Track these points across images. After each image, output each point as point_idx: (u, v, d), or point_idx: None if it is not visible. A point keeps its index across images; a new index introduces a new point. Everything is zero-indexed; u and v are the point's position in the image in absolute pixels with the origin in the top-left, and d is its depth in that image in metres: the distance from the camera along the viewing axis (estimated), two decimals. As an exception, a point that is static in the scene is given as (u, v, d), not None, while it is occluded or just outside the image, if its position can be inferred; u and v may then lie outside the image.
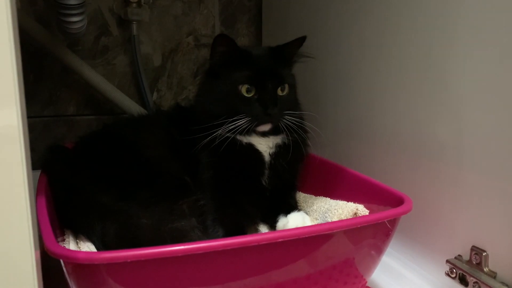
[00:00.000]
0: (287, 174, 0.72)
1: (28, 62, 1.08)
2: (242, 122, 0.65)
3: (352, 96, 0.91)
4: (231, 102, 0.67)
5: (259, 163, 0.69)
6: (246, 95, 0.67)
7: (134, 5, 1.13)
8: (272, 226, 0.70)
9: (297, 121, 0.69)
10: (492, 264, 0.61)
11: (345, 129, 0.93)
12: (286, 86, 0.70)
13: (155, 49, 1.22)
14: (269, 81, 0.67)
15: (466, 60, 0.64)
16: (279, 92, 0.69)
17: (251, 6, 1.29)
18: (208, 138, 0.66)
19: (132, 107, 1.14)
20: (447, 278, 0.67)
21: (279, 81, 0.68)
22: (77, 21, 0.94)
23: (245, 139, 0.69)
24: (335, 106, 0.95)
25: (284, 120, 0.68)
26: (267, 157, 0.70)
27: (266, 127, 0.68)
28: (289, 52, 0.73)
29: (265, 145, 0.70)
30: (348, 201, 0.71)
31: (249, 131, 0.67)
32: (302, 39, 0.71)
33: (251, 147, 0.69)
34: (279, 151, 0.70)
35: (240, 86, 0.66)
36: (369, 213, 0.67)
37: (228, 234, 0.63)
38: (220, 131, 0.65)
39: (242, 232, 0.66)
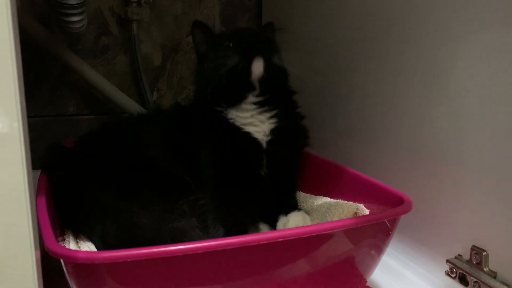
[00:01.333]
0: (287, 162, 0.73)
1: (28, 61, 1.08)
2: (233, 63, 0.66)
3: (352, 96, 0.90)
4: (218, 61, 0.68)
5: (257, 151, 0.70)
6: (227, 52, 0.68)
7: (134, 4, 1.13)
8: (272, 225, 0.70)
9: (288, 94, 0.73)
10: (492, 263, 0.61)
11: (345, 129, 0.93)
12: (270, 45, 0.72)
13: (155, 49, 1.22)
14: (247, 34, 0.71)
15: (466, 59, 0.64)
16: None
17: (251, 6, 1.29)
18: (213, 131, 0.68)
19: (132, 106, 1.14)
20: (447, 277, 0.67)
21: (258, 34, 0.73)
22: (77, 21, 0.94)
23: (243, 126, 0.70)
24: (334, 106, 0.95)
25: (272, 57, 0.68)
26: (264, 145, 0.70)
27: (259, 64, 0.67)
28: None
29: (261, 132, 0.71)
30: (348, 201, 0.71)
31: (244, 76, 0.67)
32: (269, 24, 0.78)
33: (248, 135, 0.70)
34: (276, 138, 0.71)
35: (221, 47, 0.69)
36: (369, 212, 0.67)
37: (229, 233, 0.63)
38: (235, 112, 0.69)
39: (243, 230, 0.66)
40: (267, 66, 0.68)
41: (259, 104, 0.71)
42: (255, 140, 0.70)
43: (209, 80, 0.68)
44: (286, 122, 0.71)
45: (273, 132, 0.71)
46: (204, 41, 0.74)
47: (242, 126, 0.70)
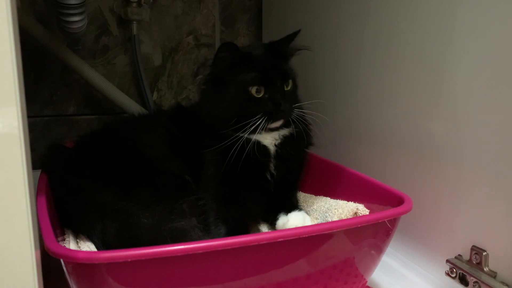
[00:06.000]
0: (294, 163, 0.73)
1: (28, 61, 1.08)
2: (258, 122, 0.66)
3: (351, 96, 0.91)
4: (243, 105, 0.68)
5: (265, 158, 0.70)
6: (257, 95, 0.68)
7: (134, 4, 1.13)
8: (272, 223, 0.70)
9: (302, 113, 0.72)
10: (492, 263, 0.61)
11: (345, 129, 0.93)
12: (290, 81, 0.72)
13: (155, 49, 1.22)
14: (277, 79, 0.69)
15: (465, 59, 0.64)
16: (285, 88, 0.71)
17: (251, 6, 1.29)
18: (220, 140, 0.66)
19: (132, 106, 1.14)
20: (447, 277, 0.67)
21: (285, 78, 0.71)
22: (77, 21, 0.94)
23: (253, 137, 0.68)
24: (335, 106, 0.95)
25: (294, 114, 0.70)
26: (272, 150, 0.70)
27: (279, 123, 0.70)
28: (286, 47, 0.74)
29: (271, 139, 0.71)
30: (348, 201, 0.71)
31: (263, 129, 0.68)
32: (296, 33, 0.74)
33: (257, 144, 0.69)
34: (285, 141, 0.71)
35: (250, 88, 0.68)
36: (369, 212, 0.67)
37: (231, 231, 0.63)
38: (245, 135, 0.66)
39: (245, 229, 0.66)
40: (285, 121, 0.71)
41: (277, 128, 0.72)
42: (264, 147, 0.70)
43: (232, 115, 0.68)
44: (297, 128, 0.72)
45: (283, 137, 0.72)
46: (229, 63, 0.69)
47: (252, 137, 0.69)
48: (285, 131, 0.72)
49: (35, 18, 1.05)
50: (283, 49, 0.74)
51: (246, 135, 0.67)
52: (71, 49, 1.09)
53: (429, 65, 0.70)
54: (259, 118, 0.67)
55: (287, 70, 0.72)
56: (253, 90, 0.68)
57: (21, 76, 0.39)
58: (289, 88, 0.71)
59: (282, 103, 0.68)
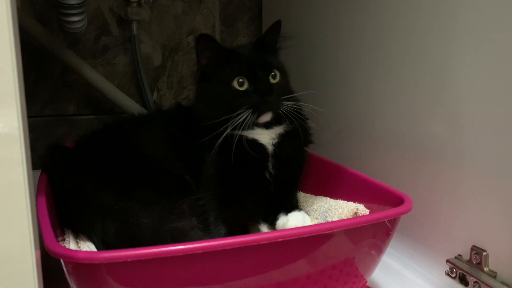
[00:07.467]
0: (293, 162, 0.73)
1: (28, 61, 1.08)
2: (244, 116, 0.65)
3: (352, 96, 0.91)
4: (228, 99, 0.68)
5: (263, 157, 0.69)
6: (240, 88, 0.67)
7: (134, 4, 1.13)
8: (272, 223, 0.70)
9: (295, 107, 0.70)
10: (492, 263, 0.61)
11: (345, 129, 0.93)
12: (277, 72, 0.70)
13: (155, 49, 1.22)
14: (259, 69, 0.68)
15: (466, 59, 0.64)
16: (272, 80, 0.70)
17: (251, 6, 1.29)
18: (217, 139, 0.66)
19: (132, 106, 1.14)
20: (447, 277, 0.67)
21: (269, 68, 0.69)
22: (77, 21, 0.95)
23: (250, 135, 0.68)
24: (335, 105, 0.95)
25: (284, 107, 0.69)
26: (270, 149, 0.70)
27: (267, 117, 0.68)
28: (270, 39, 0.74)
29: (268, 137, 0.70)
30: (348, 201, 0.71)
31: (253, 124, 0.67)
32: (278, 23, 0.73)
33: (254, 142, 0.69)
34: (283, 140, 0.71)
35: (232, 81, 0.67)
36: (369, 212, 0.67)
37: (231, 231, 0.62)
38: (228, 130, 0.65)
39: (245, 229, 0.66)
40: (275, 115, 0.69)
41: (270, 124, 0.71)
42: (261, 146, 0.70)
43: (220, 111, 0.67)
44: (293, 124, 0.71)
45: (280, 135, 0.71)
46: (210, 57, 0.70)
47: (248, 135, 0.69)
48: (280, 129, 0.71)
49: (35, 18, 1.05)
50: (267, 43, 0.73)
51: (239, 132, 0.66)
52: (71, 49, 1.09)
53: (430, 65, 0.70)
54: (245, 111, 0.65)
55: (270, 61, 0.71)
56: (235, 82, 0.67)
57: (21, 76, 0.39)
58: (277, 80, 0.70)
59: (266, 93, 0.66)
